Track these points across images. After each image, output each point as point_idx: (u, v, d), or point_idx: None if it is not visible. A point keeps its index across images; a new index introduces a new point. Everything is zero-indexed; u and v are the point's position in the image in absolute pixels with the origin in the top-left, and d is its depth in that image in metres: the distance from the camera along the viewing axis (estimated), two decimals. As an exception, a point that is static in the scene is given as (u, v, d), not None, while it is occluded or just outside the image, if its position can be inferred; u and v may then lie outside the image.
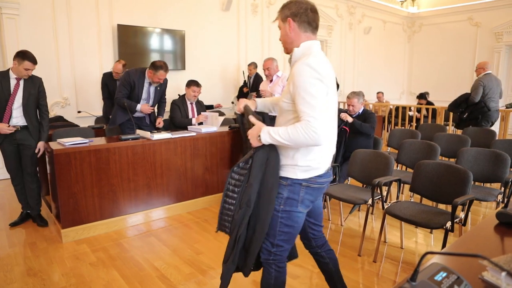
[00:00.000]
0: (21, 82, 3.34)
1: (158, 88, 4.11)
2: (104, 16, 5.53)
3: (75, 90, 5.43)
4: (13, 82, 3.33)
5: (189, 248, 3.09)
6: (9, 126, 3.31)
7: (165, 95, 4.33)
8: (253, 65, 6.71)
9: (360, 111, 4.07)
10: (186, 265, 2.82)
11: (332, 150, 1.85)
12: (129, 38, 5.75)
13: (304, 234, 2.10)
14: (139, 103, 3.99)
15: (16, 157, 3.46)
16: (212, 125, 4.24)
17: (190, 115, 4.47)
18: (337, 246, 3.18)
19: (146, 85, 4.01)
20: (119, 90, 3.94)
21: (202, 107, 4.66)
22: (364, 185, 3.67)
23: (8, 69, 3.32)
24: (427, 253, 0.89)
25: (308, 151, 1.71)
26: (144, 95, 4.01)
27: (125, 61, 5.05)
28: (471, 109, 5.19)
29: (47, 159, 3.50)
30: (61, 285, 2.56)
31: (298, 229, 1.86)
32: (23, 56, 3.24)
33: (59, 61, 5.16)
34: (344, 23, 9.48)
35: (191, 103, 4.51)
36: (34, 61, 3.28)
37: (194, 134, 3.90)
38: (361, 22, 9.90)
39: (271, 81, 4.70)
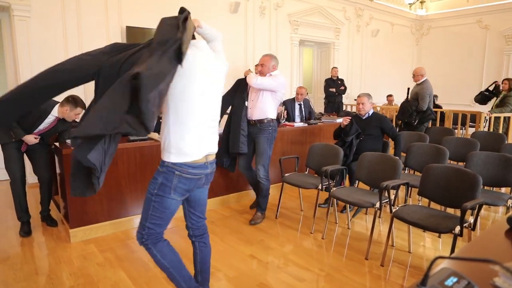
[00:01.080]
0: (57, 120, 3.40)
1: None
2: (113, 18, 5.58)
3: (84, 92, 5.46)
4: (51, 119, 3.36)
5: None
6: (36, 138, 3.33)
7: None
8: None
9: (370, 113, 4.05)
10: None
11: (208, 140, 1.94)
12: (138, 40, 5.77)
13: (186, 222, 2.24)
14: None
15: (22, 162, 3.45)
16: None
17: None
18: (344, 249, 3.16)
19: None
20: None
21: None
22: (371, 188, 3.66)
23: (54, 105, 3.33)
24: (437, 257, 0.89)
25: (179, 136, 1.82)
26: None
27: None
28: (420, 116, 5.37)
29: (56, 160, 3.53)
30: (69, 285, 2.58)
31: (169, 214, 1.98)
32: (76, 103, 3.29)
33: (69, 62, 5.21)
34: (352, 25, 9.46)
35: None
36: (84, 106, 3.33)
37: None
38: (368, 25, 9.87)
39: None
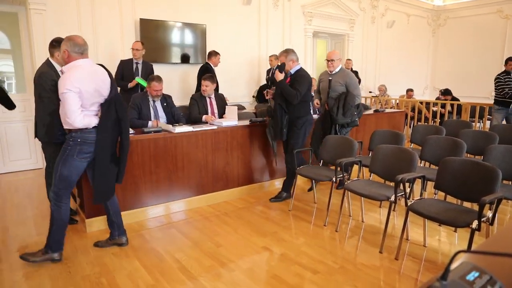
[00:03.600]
0: None
1: (165, 104, 4.17)
2: (126, 10, 5.59)
3: (99, 84, 5.51)
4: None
5: (209, 241, 3.12)
6: None
7: (179, 112, 4.32)
8: (273, 56, 6.67)
9: (293, 71, 3.89)
10: (206, 257, 2.85)
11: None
12: (151, 32, 5.80)
13: None
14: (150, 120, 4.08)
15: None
16: (231, 118, 4.24)
17: (209, 110, 4.47)
18: (357, 242, 3.14)
19: (151, 103, 4.11)
20: (129, 114, 3.98)
21: (223, 101, 4.65)
22: (386, 181, 3.61)
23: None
24: (459, 251, 0.86)
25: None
26: (151, 112, 4.09)
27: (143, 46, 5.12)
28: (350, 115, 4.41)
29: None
30: (86, 273, 2.63)
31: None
32: (58, 42, 3.23)
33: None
34: (367, 16, 9.29)
35: (210, 97, 4.50)
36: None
37: (215, 127, 3.91)
38: (384, 16, 9.69)
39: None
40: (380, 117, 5.89)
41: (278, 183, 4.58)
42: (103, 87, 2.66)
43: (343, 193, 3.41)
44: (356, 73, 8.18)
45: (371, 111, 6.11)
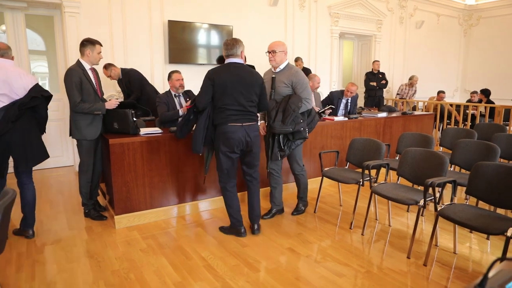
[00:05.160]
0: None
1: (188, 99, 4.21)
2: (155, 12, 5.72)
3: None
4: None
5: (235, 241, 3.14)
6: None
7: None
8: (300, 60, 6.66)
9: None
10: (232, 257, 2.88)
11: None
12: (178, 34, 5.90)
13: None
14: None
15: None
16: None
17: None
18: (384, 246, 3.09)
19: (176, 99, 4.17)
20: (159, 110, 4.08)
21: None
22: (414, 185, 3.54)
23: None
24: (498, 259, 0.84)
25: None
26: (178, 107, 4.14)
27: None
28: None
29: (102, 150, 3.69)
30: (115, 268, 2.71)
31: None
32: (93, 42, 3.43)
33: (114, 56, 5.40)
34: (395, 17, 9.12)
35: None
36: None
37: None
38: (412, 16, 9.48)
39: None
40: (407, 119, 5.77)
41: (302, 185, 4.56)
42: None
43: (370, 196, 3.36)
44: (383, 74, 8.05)
45: (398, 114, 6.00)
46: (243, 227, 3.23)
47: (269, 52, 3.39)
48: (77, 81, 3.27)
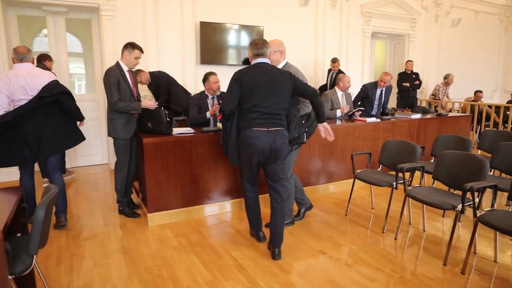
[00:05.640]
0: None
1: (221, 101, 4.18)
2: (187, 14, 5.81)
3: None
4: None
5: (266, 242, 3.14)
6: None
7: None
8: (337, 61, 6.57)
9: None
10: (262, 257, 2.87)
11: None
12: (209, 35, 5.97)
13: None
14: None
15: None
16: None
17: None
18: (418, 252, 3.00)
19: (209, 101, 4.17)
20: (190, 113, 4.13)
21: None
22: (450, 189, 3.41)
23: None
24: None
25: None
26: (210, 108, 4.14)
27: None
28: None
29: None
30: (148, 265, 2.77)
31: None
32: (133, 46, 3.54)
33: (147, 57, 5.53)
34: (430, 15, 8.83)
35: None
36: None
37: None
38: (449, 14, 9.15)
39: None
40: (443, 121, 5.57)
41: (332, 187, 4.51)
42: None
43: (403, 200, 3.27)
44: (416, 75, 7.82)
45: (433, 115, 5.81)
46: (262, 232, 3.15)
47: None
48: (115, 81, 3.39)
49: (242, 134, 2.79)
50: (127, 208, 3.75)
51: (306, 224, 3.53)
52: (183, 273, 2.66)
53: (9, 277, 1.73)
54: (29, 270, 1.89)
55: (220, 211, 3.80)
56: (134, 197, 4.07)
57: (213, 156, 3.65)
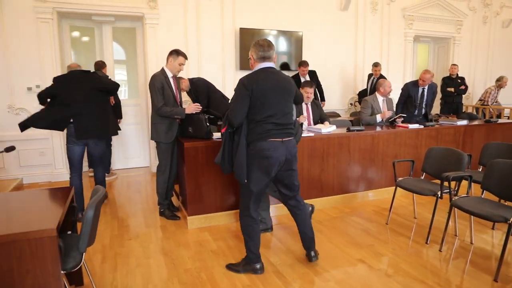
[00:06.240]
0: None
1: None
2: (228, 21, 5.92)
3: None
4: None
5: (303, 248, 3.11)
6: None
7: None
8: (379, 65, 6.43)
9: None
10: (300, 264, 2.85)
11: None
12: (248, 41, 6.03)
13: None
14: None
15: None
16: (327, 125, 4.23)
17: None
18: (465, 265, 2.85)
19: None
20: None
21: (318, 108, 4.61)
22: (501, 200, 3.22)
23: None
24: None
25: None
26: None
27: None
28: None
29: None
30: (188, 267, 2.82)
31: None
32: (178, 53, 3.69)
33: (188, 63, 5.65)
34: (477, 16, 8.43)
35: (306, 104, 4.51)
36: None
37: (312, 134, 3.93)
38: (498, 14, 8.67)
39: None
40: (492, 128, 5.28)
41: (371, 195, 4.40)
42: None
43: (449, 210, 3.13)
44: (462, 79, 7.47)
45: (480, 121, 5.53)
46: (260, 263, 2.73)
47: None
48: (159, 86, 3.52)
49: (256, 147, 2.55)
50: (168, 211, 3.85)
51: (345, 232, 3.47)
52: (222, 276, 2.69)
53: (61, 272, 1.83)
54: (79, 266, 1.99)
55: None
56: (174, 200, 4.17)
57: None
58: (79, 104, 3.56)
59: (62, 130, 3.70)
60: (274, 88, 2.56)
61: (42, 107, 3.74)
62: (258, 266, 2.71)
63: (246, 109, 2.52)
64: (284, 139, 2.60)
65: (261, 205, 3.09)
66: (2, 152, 2.27)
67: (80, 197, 3.71)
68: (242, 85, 2.51)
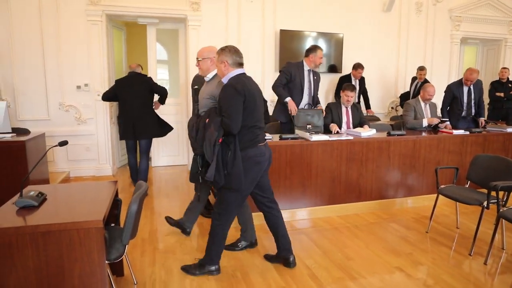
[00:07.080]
0: None
1: (315, 78, 4.36)
2: (268, 22, 5.94)
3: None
4: None
5: (339, 252, 3.07)
6: None
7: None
8: (425, 69, 6.23)
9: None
10: (336, 268, 2.82)
11: None
12: (288, 42, 6.03)
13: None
14: (302, 91, 4.28)
15: None
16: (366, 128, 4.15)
17: (345, 120, 4.42)
18: (513, 280, 2.70)
19: (306, 73, 4.29)
20: (278, 78, 4.30)
21: (359, 111, 4.52)
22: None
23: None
24: None
25: None
26: (306, 84, 4.29)
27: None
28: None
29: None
30: (223, 265, 2.85)
31: None
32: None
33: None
34: (532, 17, 7.93)
35: (346, 108, 4.46)
36: None
37: (351, 138, 3.88)
38: (556, 15, 8.12)
39: None
40: (545, 136, 4.95)
41: (411, 202, 4.26)
42: None
43: (496, 222, 2.97)
44: (512, 84, 7.06)
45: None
46: (217, 265, 2.74)
47: (198, 59, 3.06)
48: (196, 88, 3.60)
49: (248, 154, 2.53)
50: (204, 209, 3.92)
51: (382, 238, 3.38)
52: (256, 276, 2.71)
53: (106, 262, 1.92)
54: (121, 258, 2.08)
55: (292, 218, 3.80)
56: (211, 198, 4.24)
57: (289, 162, 3.68)
58: (133, 106, 4.51)
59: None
60: (258, 93, 2.66)
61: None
62: (213, 267, 2.73)
63: (241, 115, 2.47)
64: (265, 143, 2.72)
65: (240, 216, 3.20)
66: (56, 146, 2.41)
67: (135, 171, 4.75)
68: (235, 90, 2.45)
